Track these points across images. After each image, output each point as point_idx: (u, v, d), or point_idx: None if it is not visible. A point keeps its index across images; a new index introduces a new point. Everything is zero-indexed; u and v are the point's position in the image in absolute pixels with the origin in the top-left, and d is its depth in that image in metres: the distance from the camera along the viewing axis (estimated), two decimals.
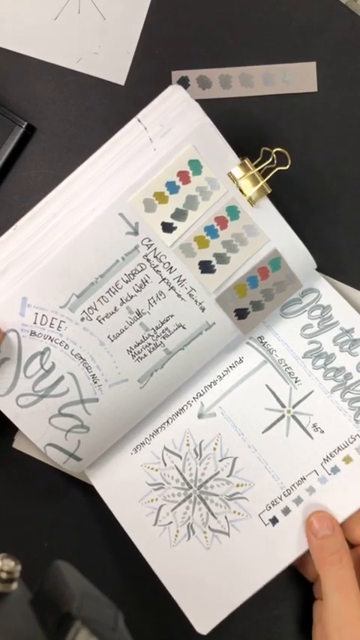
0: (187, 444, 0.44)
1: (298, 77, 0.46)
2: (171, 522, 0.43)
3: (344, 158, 0.46)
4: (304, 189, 0.46)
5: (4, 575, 0.25)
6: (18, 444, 0.47)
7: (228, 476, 0.43)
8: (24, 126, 0.46)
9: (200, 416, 0.44)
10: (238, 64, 0.46)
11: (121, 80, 0.47)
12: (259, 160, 0.39)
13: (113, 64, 0.47)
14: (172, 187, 0.39)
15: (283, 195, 0.42)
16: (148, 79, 0.47)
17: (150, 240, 0.39)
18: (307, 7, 0.46)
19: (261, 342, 0.44)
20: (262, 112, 0.46)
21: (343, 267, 0.46)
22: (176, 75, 0.46)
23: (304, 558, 0.43)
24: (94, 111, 0.47)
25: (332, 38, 0.46)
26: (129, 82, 0.47)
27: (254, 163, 0.39)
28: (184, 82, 0.46)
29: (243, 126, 0.46)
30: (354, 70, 0.46)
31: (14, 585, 0.25)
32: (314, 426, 0.43)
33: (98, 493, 0.44)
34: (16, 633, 0.24)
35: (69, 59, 0.47)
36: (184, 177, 0.38)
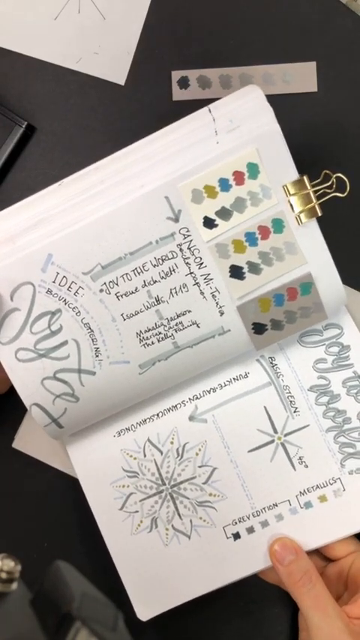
0: (172, 442, 0.44)
1: (298, 77, 0.46)
2: (137, 511, 0.44)
3: (344, 158, 0.46)
4: None
5: (4, 575, 0.25)
6: (18, 444, 0.47)
7: (203, 483, 0.43)
8: (24, 126, 0.46)
9: (191, 418, 0.44)
10: (238, 64, 0.46)
11: (121, 80, 0.47)
12: (318, 181, 0.39)
13: (113, 64, 0.47)
14: (225, 185, 0.38)
15: None
16: (148, 79, 0.47)
17: (188, 231, 0.39)
18: (307, 7, 0.46)
19: (271, 363, 0.44)
20: None
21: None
22: (176, 75, 0.46)
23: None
24: (94, 111, 0.47)
25: (332, 38, 0.46)
26: (129, 82, 0.47)
27: (312, 183, 0.38)
28: (184, 82, 0.46)
29: None
30: (354, 70, 0.46)
31: (14, 585, 0.25)
32: (300, 459, 0.43)
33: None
34: (16, 633, 0.24)
35: (69, 59, 0.47)
36: (239, 177, 0.38)
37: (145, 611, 0.43)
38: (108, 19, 0.47)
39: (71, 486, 0.46)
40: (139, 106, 0.47)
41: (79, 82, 0.47)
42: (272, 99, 0.46)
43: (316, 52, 0.46)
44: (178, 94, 0.46)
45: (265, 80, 0.46)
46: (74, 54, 0.47)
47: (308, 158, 0.46)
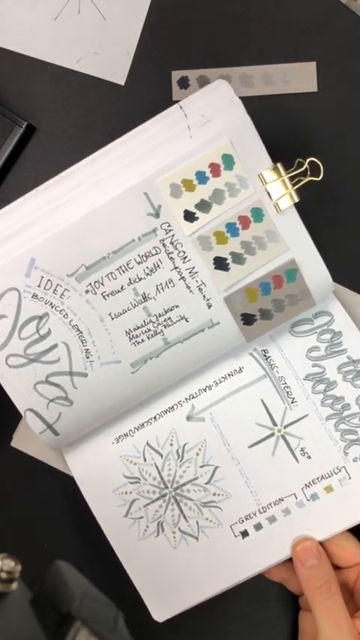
0: (171, 444, 0.43)
1: (298, 77, 0.46)
2: (142, 517, 0.43)
3: (344, 158, 0.46)
4: (303, 189, 0.46)
5: (4, 575, 0.25)
6: (16, 443, 0.47)
7: (206, 483, 0.43)
8: (24, 126, 0.46)
9: (189, 418, 0.43)
10: (238, 64, 0.46)
11: (121, 80, 0.47)
12: (292, 168, 0.39)
13: (113, 64, 0.47)
14: (202, 177, 0.38)
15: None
16: (148, 79, 0.47)
17: (169, 226, 0.39)
18: (307, 7, 0.46)
19: (264, 355, 0.43)
20: (262, 112, 0.46)
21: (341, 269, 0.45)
22: (176, 75, 0.46)
23: (287, 575, 0.43)
24: (94, 111, 0.47)
25: (332, 38, 0.46)
26: (129, 82, 0.47)
27: (287, 170, 0.39)
28: (184, 82, 0.46)
29: None
30: (354, 70, 0.46)
31: (14, 585, 0.25)
32: (302, 450, 0.43)
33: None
34: (16, 633, 0.24)
35: (69, 59, 0.47)
36: (215, 169, 0.38)
37: (160, 613, 0.43)
38: (108, 19, 0.47)
39: (71, 486, 0.46)
40: (139, 106, 0.47)
41: (79, 82, 0.47)
42: (272, 99, 0.46)
43: (316, 52, 0.46)
44: (178, 94, 0.46)
45: (265, 80, 0.46)
46: (74, 54, 0.47)
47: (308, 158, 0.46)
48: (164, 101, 0.46)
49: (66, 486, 0.46)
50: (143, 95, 0.47)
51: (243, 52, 0.46)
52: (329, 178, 0.46)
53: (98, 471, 0.44)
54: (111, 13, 0.47)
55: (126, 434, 0.44)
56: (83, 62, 0.47)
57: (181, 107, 0.39)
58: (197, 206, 0.39)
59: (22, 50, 0.47)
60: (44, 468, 0.47)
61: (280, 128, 0.46)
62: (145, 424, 0.44)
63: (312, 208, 0.46)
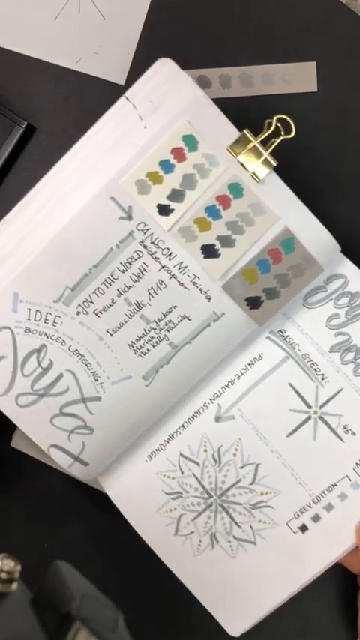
0: (205, 450, 0.41)
1: (298, 77, 0.46)
2: (193, 532, 0.41)
3: (344, 158, 0.46)
4: (304, 190, 0.46)
5: (4, 575, 0.25)
6: (16, 443, 0.47)
7: (251, 484, 0.40)
8: (24, 126, 0.46)
9: (218, 419, 0.41)
10: (238, 64, 0.46)
11: (121, 80, 0.47)
12: (262, 132, 0.37)
13: (113, 64, 0.47)
14: (167, 166, 0.36)
15: None
16: None
17: (145, 225, 0.37)
18: (307, 7, 0.46)
19: (282, 335, 0.40)
20: (262, 112, 0.46)
21: None
22: None
23: (349, 557, 0.41)
24: (94, 111, 0.47)
25: (332, 38, 0.46)
26: (129, 82, 0.47)
27: (257, 136, 0.36)
28: None
29: (243, 126, 0.46)
30: (354, 70, 0.46)
31: (14, 585, 0.25)
32: (345, 427, 0.40)
33: (101, 495, 0.43)
34: (16, 633, 0.24)
35: (69, 59, 0.47)
36: (178, 154, 0.36)
37: (234, 627, 0.41)
38: (108, 19, 0.47)
39: (71, 486, 0.46)
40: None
41: (79, 82, 0.47)
42: (272, 99, 0.46)
43: (316, 52, 0.46)
44: None
45: (265, 80, 0.46)
46: (74, 54, 0.47)
47: (308, 158, 0.46)
48: None
49: (66, 486, 0.46)
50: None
51: (243, 52, 0.46)
52: (330, 178, 0.46)
53: (137, 493, 0.42)
54: (111, 13, 0.47)
55: (157, 449, 0.42)
56: (83, 62, 0.47)
57: (127, 98, 0.37)
58: (170, 197, 0.36)
59: (22, 50, 0.47)
60: (44, 468, 0.47)
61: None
62: (175, 435, 0.41)
63: (312, 209, 0.46)
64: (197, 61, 0.46)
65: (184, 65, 0.46)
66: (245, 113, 0.46)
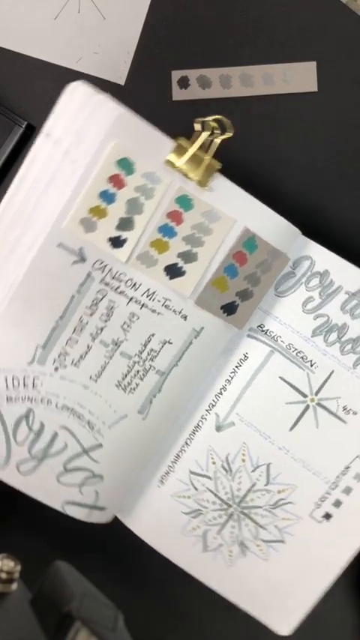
0: (214, 462, 0.40)
1: (298, 77, 0.46)
2: (221, 545, 0.41)
3: (344, 158, 0.46)
4: (303, 189, 0.46)
5: (4, 575, 0.25)
6: None
7: (266, 485, 0.40)
8: (24, 126, 0.46)
9: (219, 428, 0.40)
10: (238, 64, 0.46)
11: (121, 80, 0.47)
12: (194, 137, 0.35)
13: (113, 64, 0.47)
14: (108, 197, 0.35)
15: (280, 195, 0.42)
16: (148, 79, 0.47)
17: (102, 262, 0.36)
18: (307, 7, 0.46)
19: (262, 330, 0.40)
20: (262, 112, 0.46)
21: None
22: (176, 75, 0.46)
23: None
24: None
25: (332, 38, 0.46)
26: (129, 82, 0.47)
27: (191, 141, 0.34)
28: (184, 82, 0.46)
29: (243, 126, 0.46)
30: (354, 70, 0.46)
31: (14, 585, 0.25)
32: (344, 408, 0.39)
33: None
34: (16, 633, 0.24)
35: (69, 59, 0.47)
36: (117, 181, 0.34)
37: (283, 627, 0.41)
38: (108, 19, 0.47)
39: None
40: (139, 106, 0.47)
41: None
42: (272, 99, 0.46)
43: (316, 52, 0.46)
44: (178, 94, 0.46)
45: (265, 80, 0.46)
46: (74, 54, 0.47)
47: (308, 158, 0.46)
48: (164, 101, 0.46)
49: None
50: (143, 95, 0.47)
51: (243, 52, 0.46)
52: (330, 178, 0.46)
53: (157, 520, 0.41)
54: (111, 13, 0.47)
55: (167, 472, 0.41)
56: (83, 62, 0.47)
57: (47, 135, 0.35)
58: (119, 227, 0.35)
59: (22, 50, 0.47)
60: None
61: (281, 128, 0.46)
62: (180, 453, 0.41)
63: (312, 208, 0.46)
64: (197, 61, 0.46)
65: (184, 65, 0.46)
66: (245, 113, 0.46)
